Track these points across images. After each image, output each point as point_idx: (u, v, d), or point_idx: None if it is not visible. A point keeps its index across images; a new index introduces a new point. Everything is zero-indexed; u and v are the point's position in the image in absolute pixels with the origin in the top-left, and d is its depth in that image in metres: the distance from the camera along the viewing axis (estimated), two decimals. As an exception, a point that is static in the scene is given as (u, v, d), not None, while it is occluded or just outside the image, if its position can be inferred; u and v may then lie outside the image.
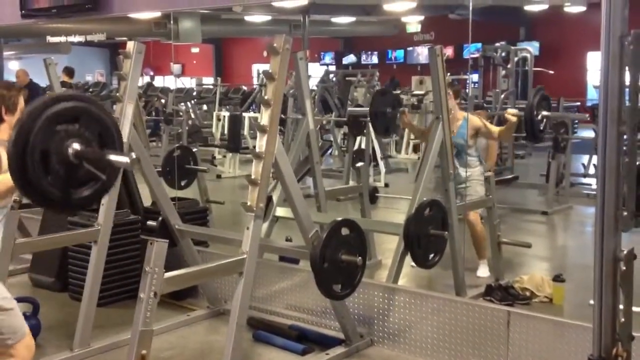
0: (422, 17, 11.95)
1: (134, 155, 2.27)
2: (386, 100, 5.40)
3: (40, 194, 2.22)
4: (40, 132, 2.17)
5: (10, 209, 3.46)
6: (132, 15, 5.67)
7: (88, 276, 3.78)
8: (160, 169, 5.52)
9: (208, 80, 17.74)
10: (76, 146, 2.25)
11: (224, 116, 11.79)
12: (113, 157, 2.26)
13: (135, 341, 2.67)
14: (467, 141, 4.97)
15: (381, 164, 9.02)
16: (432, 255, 4.13)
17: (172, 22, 8.28)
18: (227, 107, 13.79)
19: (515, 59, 10.16)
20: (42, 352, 3.68)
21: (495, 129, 5.31)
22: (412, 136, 10.56)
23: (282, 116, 6.31)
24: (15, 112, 2.70)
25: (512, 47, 10.40)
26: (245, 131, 11.16)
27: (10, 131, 2.56)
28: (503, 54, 10.10)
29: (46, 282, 4.88)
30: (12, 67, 12.21)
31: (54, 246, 4.48)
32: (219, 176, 10.45)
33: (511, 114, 5.06)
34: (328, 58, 16.70)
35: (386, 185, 8.76)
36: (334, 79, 12.23)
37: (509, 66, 10.02)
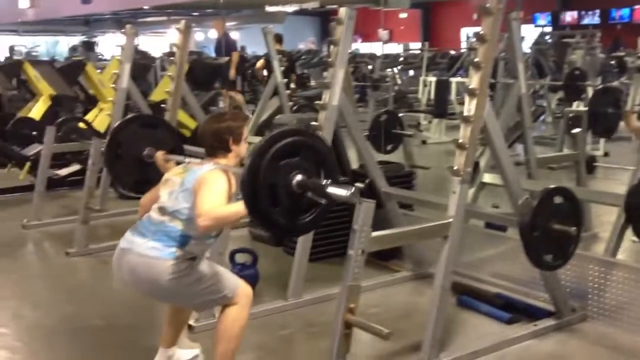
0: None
1: (353, 188, 2.38)
2: (607, 99, 4.99)
3: (270, 223, 2.47)
4: (267, 169, 2.40)
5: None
6: (344, -18, 5.79)
7: (301, 233, 3.99)
8: (367, 134, 5.64)
9: (415, 46, 17.63)
10: (299, 177, 2.45)
11: (431, 81, 11.68)
12: (333, 190, 2.41)
13: (344, 295, 2.79)
14: None
15: (600, 131, 8.39)
16: (657, 230, 3.79)
17: (382, -12, 8.33)
18: (434, 72, 13.64)
19: None
20: (260, 300, 3.99)
21: None
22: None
23: (492, 80, 6.11)
24: (240, 142, 2.86)
25: None
26: (452, 96, 10.98)
27: (236, 159, 2.85)
28: None
29: (263, 236, 5.25)
30: (233, 38, 13.12)
31: (270, 203, 4.79)
32: (424, 142, 10.43)
33: None
34: (542, 19, 15.77)
35: (605, 154, 8.16)
36: (550, 40, 11.55)
37: None
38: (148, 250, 2.70)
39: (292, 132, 2.54)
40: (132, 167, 3.40)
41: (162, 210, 2.79)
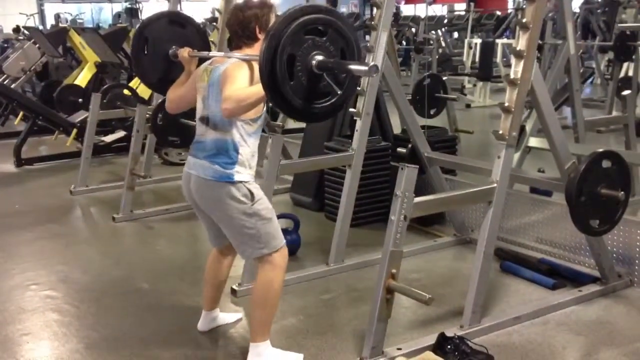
0: None
1: (372, 62, 2.28)
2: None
3: (283, 97, 2.34)
4: (290, 37, 2.27)
5: (274, 133, 3.77)
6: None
7: (342, 198, 3.99)
8: (410, 98, 5.57)
9: (460, 7, 17.25)
10: (319, 57, 2.33)
11: (476, 43, 11.44)
12: (353, 67, 2.32)
13: (386, 260, 2.78)
14: None
15: (652, 93, 8.12)
16: None
17: (425, -53, 8.14)
18: (479, 33, 13.35)
19: None
20: (302, 265, 4.03)
21: None
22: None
23: (540, 41, 5.95)
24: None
25: None
26: (498, 59, 10.75)
27: None
28: None
29: (305, 201, 5.28)
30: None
31: (312, 168, 4.79)
32: (468, 105, 10.28)
33: None
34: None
35: (656, 116, 7.88)
36: (600, -1, 11.16)
37: None
38: (208, 172, 2.75)
39: (325, 10, 2.42)
40: (158, 64, 3.31)
41: (204, 121, 2.82)
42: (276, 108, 2.49)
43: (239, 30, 2.80)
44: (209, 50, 3.43)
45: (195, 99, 2.91)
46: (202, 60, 3.05)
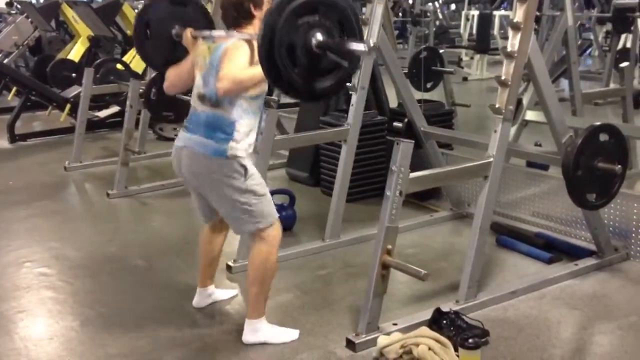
0: None
1: (372, 42, 2.25)
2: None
3: (289, 85, 2.33)
4: (284, 28, 2.25)
5: (269, 108, 3.72)
6: None
7: (338, 173, 3.97)
8: (406, 71, 5.52)
9: (457, -22, 17.02)
10: (318, 37, 2.30)
11: (473, 15, 11.33)
12: (353, 46, 2.29)
13: (382, 236, 2.77)
14: None
15: (649, 64, 8.06)
16: None
17: None
18: (477, 5, 13.23)
19: None
20: (298, 240, 4.01)
21: None
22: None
23: (537, 13, 5.88)
24: (262, 6, 2.77)
25: None
26: (495, 31, 10.67)
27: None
28: None
29: (301, 176, 5.25)
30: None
31: (307, 143, 4.74)
32: (465, 78, 10.20)
33: None
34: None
35: (654, 88, 7.84)
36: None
37: None
38: (202, 147, 2.72)
39: None
40: (162, 46, 3.25)
41: (202, 98, 2.78)
42: (284, 94, 2.47)
43: (234, 12, 2.76)
44: (213, 27, 3.38)
45: (193, 79, 2.86)
46: None
